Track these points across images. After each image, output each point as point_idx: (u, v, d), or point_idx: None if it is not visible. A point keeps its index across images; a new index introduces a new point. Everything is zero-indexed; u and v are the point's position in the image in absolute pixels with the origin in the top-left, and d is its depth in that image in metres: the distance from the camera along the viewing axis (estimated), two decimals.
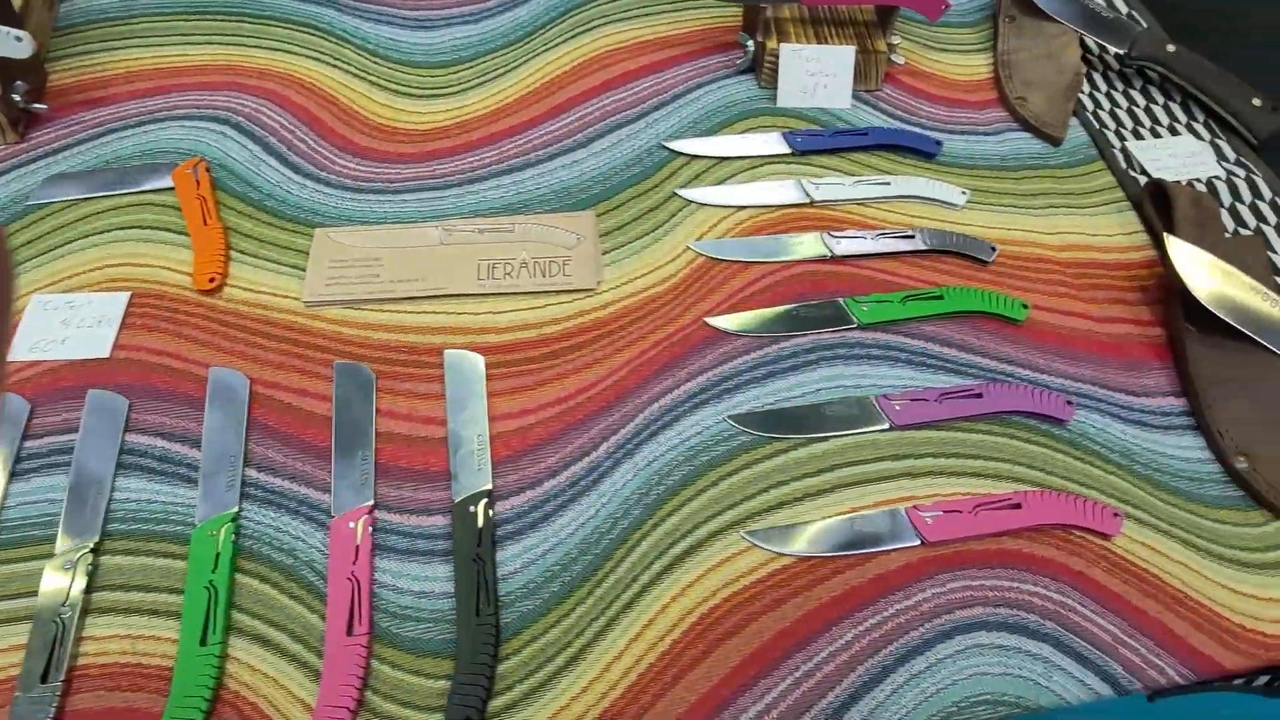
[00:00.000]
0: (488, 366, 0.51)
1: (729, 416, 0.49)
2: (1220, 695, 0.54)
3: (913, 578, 0.44)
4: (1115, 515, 0.46)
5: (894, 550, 0.45)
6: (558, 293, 0.54)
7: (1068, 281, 0.57)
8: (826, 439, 0.49)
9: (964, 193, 0.60)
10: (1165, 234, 0.53)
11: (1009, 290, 0.56)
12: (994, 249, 0.57)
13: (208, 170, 0.58)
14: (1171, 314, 0.54)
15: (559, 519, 0.46)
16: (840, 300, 0.54)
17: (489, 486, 0.46)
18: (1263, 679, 0.51)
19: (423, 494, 0.47)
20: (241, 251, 0.56)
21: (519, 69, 0.68)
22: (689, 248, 0.57)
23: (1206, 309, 0.51)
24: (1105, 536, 0.46)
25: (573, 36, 0.70)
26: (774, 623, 0.43)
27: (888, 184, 0.60)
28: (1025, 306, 0.55)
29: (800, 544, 0.45)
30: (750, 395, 0.50)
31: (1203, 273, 0.52)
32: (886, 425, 0.49)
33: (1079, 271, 0.58)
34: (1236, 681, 0.51)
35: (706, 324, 0.53)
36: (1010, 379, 0.52)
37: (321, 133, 0.63)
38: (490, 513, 0.45)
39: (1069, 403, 0.50)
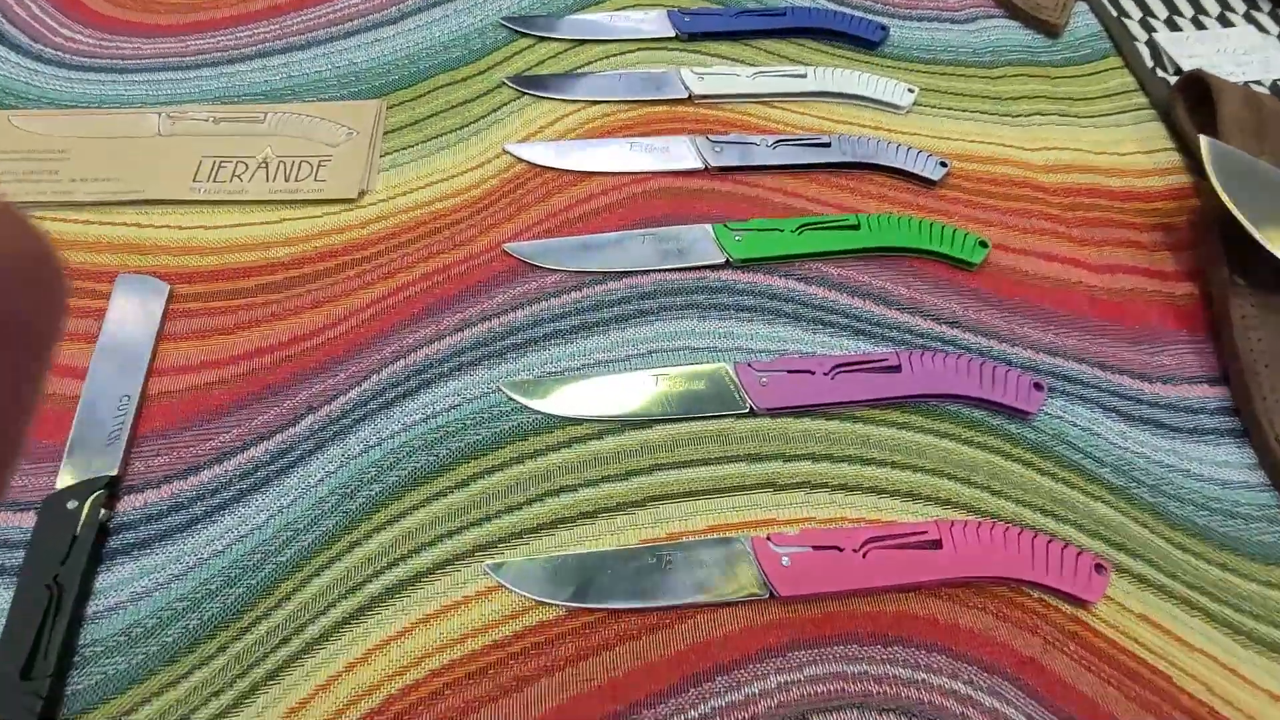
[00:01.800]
0: (178, 299, 0.36)
1: (504, 385, 0.34)
2: None
3: (748, 653, 0.27)
4: (1099, 568, 0.29)
5: (724, 606, 0.28)
6: (303, 203, 0.39)
7: (1054, 215, 0.40)
8: (650, 424, 0.32)
9: (911, 90, 0.43)
10: (1201, 137, 0.36)
11: (963, 223, 0.39)
12: (945, 165, 0.40)
13: None
14: (1209, 260, 0.37)
15: (210, 527, 0.30)
16: (708, 226, 0.38)
17: (114, 472, 0.31)
18: None
19: (21, 479, 0.32)
20: None
21: None
22: (504, 150, 0.42)
23: (1263, 251, 0.34)
24: (1080, 602, 0.29)
25: None
26: (509, 715, 0.27)
27: (802, 76, 0.44)
28: (984, 245, 0.38)
29: (572, 586, 0.29)
30: (549, 356, 0.34)
31: (1260, 194, 0.35)
32: (746, 408, 0.33)
33: (1072, 201, 0.40)
34: None
35: (506, 252, 0.38)
36: (951, 347, 0.35)
37: None
38: (103, 512, 0.31)
39: (1038, 386, 0.33)
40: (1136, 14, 0.47)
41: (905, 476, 0.31)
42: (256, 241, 0.37)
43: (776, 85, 0.43)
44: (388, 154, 0.41)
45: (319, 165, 0.39)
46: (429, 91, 0.43)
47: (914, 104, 0.42)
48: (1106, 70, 0.45)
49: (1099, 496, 0.30)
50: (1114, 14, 0.47)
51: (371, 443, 0.31)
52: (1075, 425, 0.32)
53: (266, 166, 0.39)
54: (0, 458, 0.12)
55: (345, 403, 0.32)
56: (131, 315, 0.34)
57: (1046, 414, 0.32)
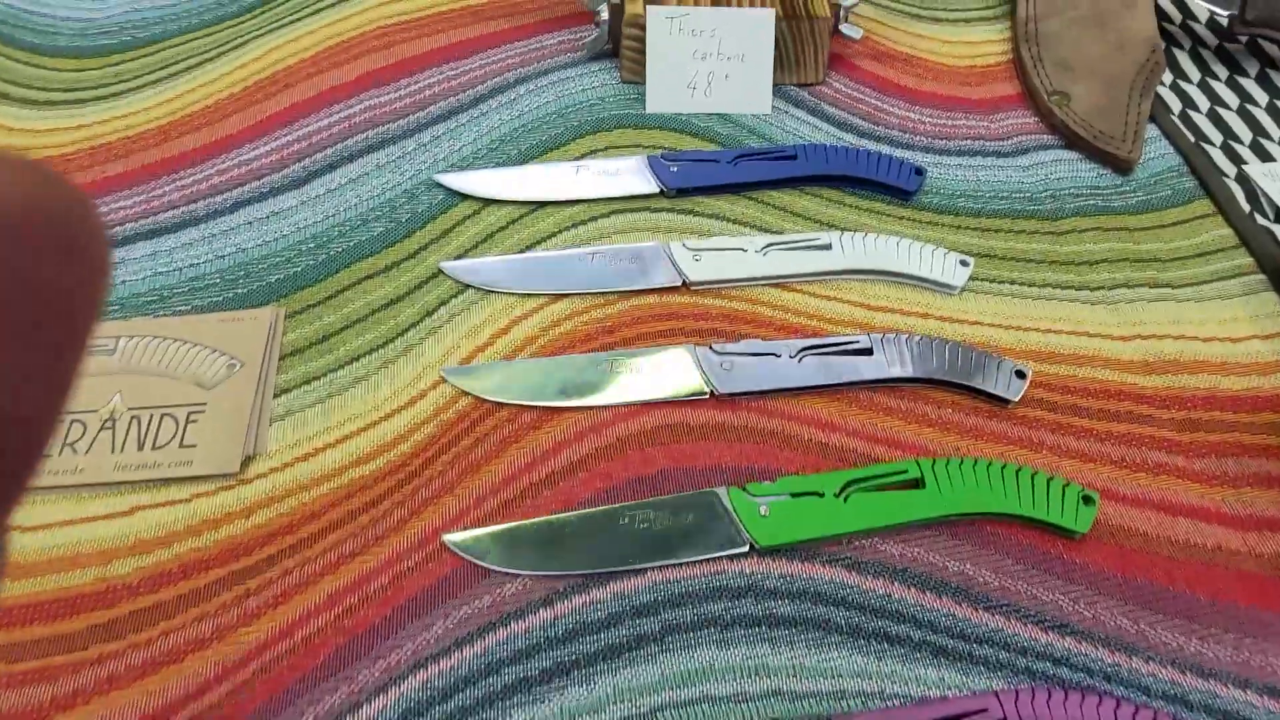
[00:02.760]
0: None
1: None
2: None
3: None
4: None
5: None
6: (164, 484, 0.29)
7: (1168, 439, 0.30)
8: None
9: (965, 262, 0.35)
10: None
11: (1053, 459, 0.30)
12: (1023, 375, 0.32)
13: None
14: None
15: None
16: (722, 492, 0.29)
17: None
18: None
19: None
20: None
21: (232, 54, 0.41)
22: (441, 376, 0.32)
23: None
24: None
25: (330, 4, 0.43)
26: None
27: (826, 247, 0.35)
28: (1089, 501, 0.29)
29: None
30: None
31: None
32: None
33: (1186, 417, 0.31)
34: None
35: (446, 546, 0.28)
36: (1065, 670, 0.24)
37: None
38: None
39: None
40: (1217, 137, 0.39)
41: None
42: (94, 550, 0.27)
43: (793, 263, 0.34)
44: (285, 391, 0.31)
45: (188, 421, 0.29)
46: (342, 290, 0.33)
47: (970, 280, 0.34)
48: (1195, 219, 0.37)
49: None
50: (1191, 139, 0.39)
51: None
52: None
53: (113, 426, 0.29)
54: (35, 438, 0.10)
55: None
56: None
57: None
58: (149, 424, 0.28)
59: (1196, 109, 0.40)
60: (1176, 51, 0.43)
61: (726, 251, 0.34)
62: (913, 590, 0.26)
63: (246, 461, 0.28)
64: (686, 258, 0.33)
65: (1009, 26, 0.44)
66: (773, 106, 0.40)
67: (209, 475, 0.28)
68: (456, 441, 0.29)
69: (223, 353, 0.30)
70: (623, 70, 0.40)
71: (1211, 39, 0.42)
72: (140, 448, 0.28)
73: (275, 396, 0.30)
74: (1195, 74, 0.42)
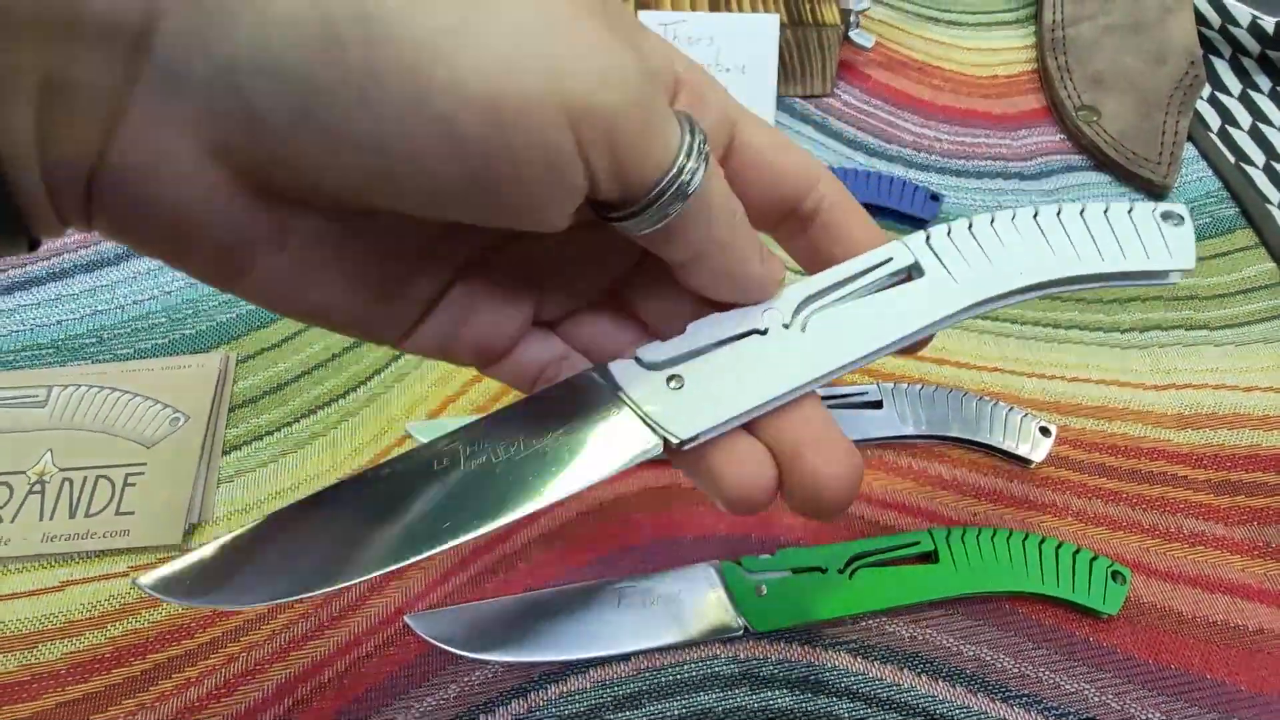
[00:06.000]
0: None
1: None
2: None
3: None
4: None
5: None
6: (98, 556, 0.27)
7: (1205, 505, 0.27)
8: None
9: (1046, 430, 0.30)
10: None
11: (1079, 528, 0.27)
12: (1048, 433, 0.30)
13: None
14: None
15: None
16: (711, 568, 0.27)
17: None
18: None
19: None
20: None
21: None
22: (407, 433, 0.30)
23: None
24: None
25: None
26: None
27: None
28: (1120, 577, 0.27)
29: None
30: None
31: None
32: None
33: (1224, 479, 0.28)
34: None
35: (409, 627, 0.26)
36: None
37: None
38: None
39: None
40: (1259, 158, 0.36)
41: None
42: (16, 634, 0.24)
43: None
44: (235, 448, 0.28)
45: (125, 483, 0.26)
46: (300, 331, 0.30)
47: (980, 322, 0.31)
48: (1236, 251, 0.34)
49: None
50: (1232, 160, 0.36)
51: None
52: None
53: (43, 490, 0.26)
54: None
55: None
56: None
57: None
58: (82, 487, 0.26)
59: (1237, 125, 0.37)
60: (1215, 60, 0.40)
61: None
62: (924, 679, 0.24)
63: (190, 530, 0.25)
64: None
65: (1034, 32, 0.41)
66: (777, 122, 0.37)
67: (146, 547, 0.25)
68: None
69: (165, 404, 0.27)
70: None
71: (1255, 46, 0.39)
72: (72, 515, 0.25)
73: (224, 454, 0.27)
74: (1236, 86, 0.39)
